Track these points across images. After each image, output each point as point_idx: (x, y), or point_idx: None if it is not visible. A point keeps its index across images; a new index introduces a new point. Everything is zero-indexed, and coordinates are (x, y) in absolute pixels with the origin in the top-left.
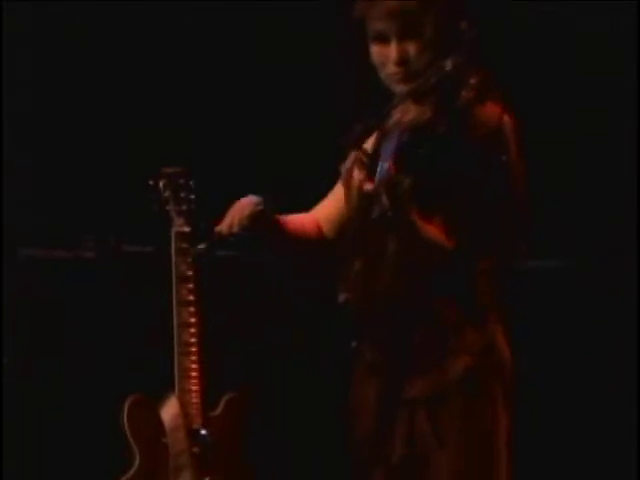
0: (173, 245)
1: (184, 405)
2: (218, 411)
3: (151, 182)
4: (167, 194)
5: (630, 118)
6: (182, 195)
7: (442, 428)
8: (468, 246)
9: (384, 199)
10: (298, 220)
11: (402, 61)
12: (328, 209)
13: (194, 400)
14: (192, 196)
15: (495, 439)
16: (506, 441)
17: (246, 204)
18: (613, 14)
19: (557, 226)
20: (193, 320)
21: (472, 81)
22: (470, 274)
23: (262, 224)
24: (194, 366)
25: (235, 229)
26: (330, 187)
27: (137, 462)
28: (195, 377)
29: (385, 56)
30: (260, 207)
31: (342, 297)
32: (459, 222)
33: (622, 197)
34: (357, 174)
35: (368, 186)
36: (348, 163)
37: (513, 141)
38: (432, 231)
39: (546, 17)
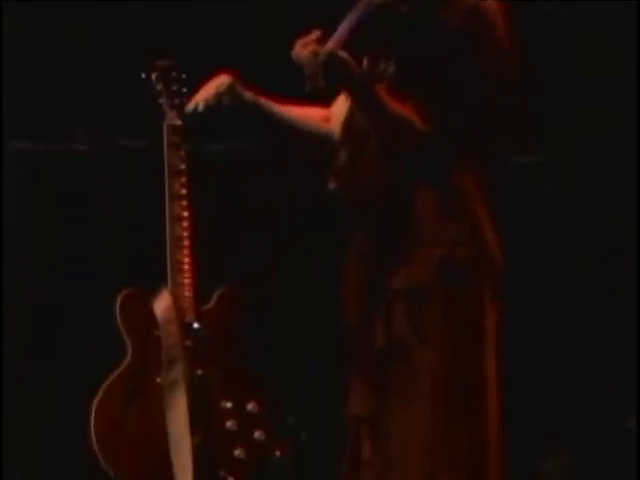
0: (165, 138)
1: (177, 298)
2: (211, 304)
3: (143, 75)
4: (159, 87)
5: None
6: (174, 88)
7: (423, 321)
8: (444, 131)
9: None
10: (300, 110)
11: None
12: (338, 105)
13: (187, 294)
14: (184, 89)
15: (482, 336)
16: (495, 340)
17: (219, 81)
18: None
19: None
20: (185, 214)
21: None
22: (451, 165)
23: (236, 100)
24: (186, 260)
25: (211, 103)
26: None
27: (130, 355)
28: (187, 271)
29: None
30: (232, 82)
31: (331, 185)
32: (432, 104)
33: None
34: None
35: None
36: None
37: (497, 23)
38: (402, 111)
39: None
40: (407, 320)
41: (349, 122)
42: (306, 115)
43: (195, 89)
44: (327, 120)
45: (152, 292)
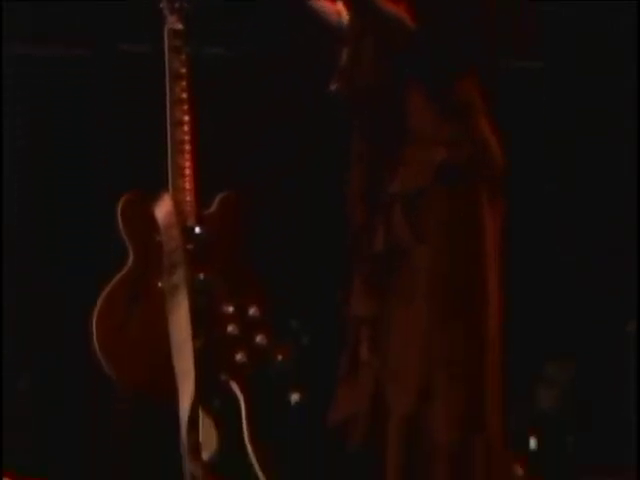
0: (166, 42)
1: (178, 203)
2: (212, 209)
3: None
4: None
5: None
6: None
7: (420, 222)
8: (437, 30)
9: None
10: None
11: None
12: None
13: (188, 198)
14: None
15: (481, 237)
16: (496, 242)
17: None
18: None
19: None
20: (186, 118)
21: None
22: (446, 66)
23: None
24: (188, 164)
25: None
26: None
27: (131, 259)
28: (189, 175)
29: None
30: None
31: (333, 86)
32: (425, 4)
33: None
34: None
35: None
36: None
37: None
38: (393, 9)
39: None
40: (404, 222)
41: (351, 22)
42: (323, 5)
43: None
44: (339, 14)
45: (153, 197)
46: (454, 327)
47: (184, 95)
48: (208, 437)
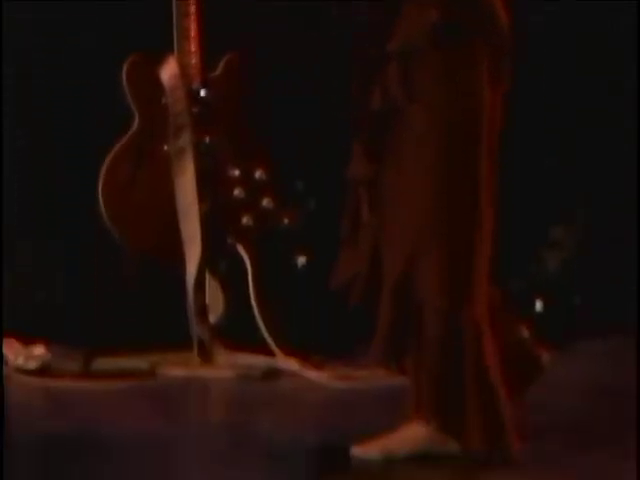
0: None
1: (183, 66)
2: (218, 72)
3: None
4: None
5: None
6: None
7: (415, 82)
8: None
9: None
10: None
11: None
12: None
13: (193, 61)
14: None
15: (477, 102)
16: (492, 115)
17: None
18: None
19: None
20: None
21: None
22: None
23: None
24: (193, 26)
25: None
26: None
27: (137, 122)
28: (194, 38)
29: None
30: None
31: None
32: None
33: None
34: None
35: None
36: None
37: None
38: None
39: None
40: (398, 80)
41: None
42: None
43: None
44: None
45: (159, 59)
46: (447, 195)
47: None
48: (215, 300)
